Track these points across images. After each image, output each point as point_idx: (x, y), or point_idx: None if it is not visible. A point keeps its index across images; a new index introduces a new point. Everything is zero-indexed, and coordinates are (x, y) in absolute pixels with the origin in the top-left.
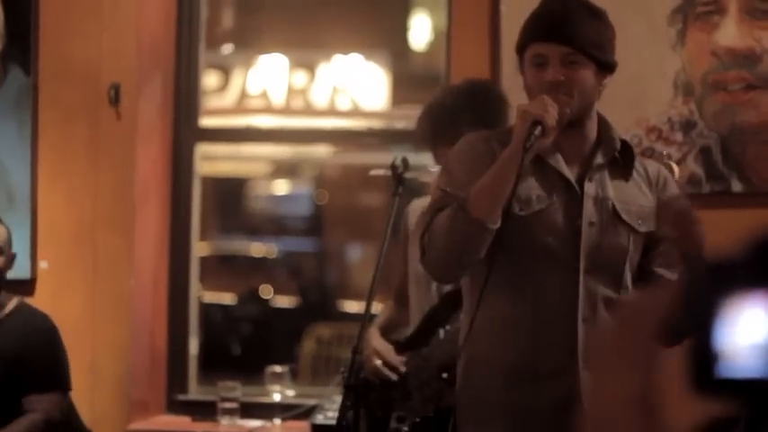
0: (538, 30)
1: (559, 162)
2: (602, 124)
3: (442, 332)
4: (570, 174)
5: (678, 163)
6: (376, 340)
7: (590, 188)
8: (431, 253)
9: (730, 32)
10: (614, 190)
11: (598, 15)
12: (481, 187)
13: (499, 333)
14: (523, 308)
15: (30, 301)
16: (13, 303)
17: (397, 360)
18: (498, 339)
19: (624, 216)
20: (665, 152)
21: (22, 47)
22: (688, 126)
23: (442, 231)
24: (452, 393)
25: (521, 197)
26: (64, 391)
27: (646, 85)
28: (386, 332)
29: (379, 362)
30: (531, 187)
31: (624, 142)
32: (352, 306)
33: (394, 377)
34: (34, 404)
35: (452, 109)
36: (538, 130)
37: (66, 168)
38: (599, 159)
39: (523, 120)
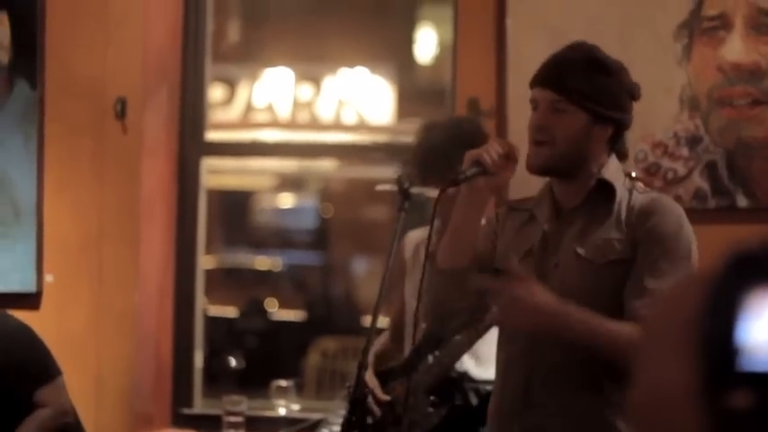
0: (536, 75)
1: (542, 213)
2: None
3: (431, 357)
4: (549, 218)
5: (684, 178)
6: (367, 374)
7: (558, 232)
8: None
9: (736, 48)
10: (584, 230)
11: (605, 68)
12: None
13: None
14: (500, 351)
15: (35, 314)
16: None
17: (382, 395)
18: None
19: (581, 251)
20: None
21: (29, 60)
22: (694, 141)
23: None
24: (439, 414)
25: (503, 253)
26: (57, 377)
27: (651, 100)
28: (380, 361)
29: (369, 398)
30: (513, 242)
31: (601, 181)
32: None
33: (377, 412)
34: (45, 397)
35: (441, 148)
36: (473, 170)
37: (72, 182)
38: (573, 202)
39: (467, 161)
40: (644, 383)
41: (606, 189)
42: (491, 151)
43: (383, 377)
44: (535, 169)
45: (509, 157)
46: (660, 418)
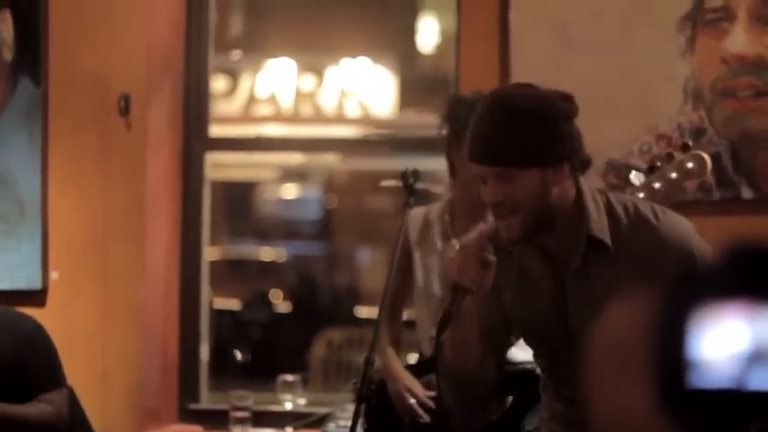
0: (470, 152)
1: (537, 267)
2: (586, 218)
3: None
4: (551, 277)
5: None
6: (407, 378)
7: (566, 298)
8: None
9: (740, 39)
10: (597, 300)
11: (528, 118)
12: (450, 334)
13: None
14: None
15: (41, 311)
16: None
17: (428, 399)
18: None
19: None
20: (632, 174)
21: (32, 57)
22: (698, 133)
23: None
24: (502, 406)
25: (516, 320)
26: (63, 386)
27: (655, 92)
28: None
29: (413, 401)
30: (521, 304)
31: (592, 239)
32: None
33: (426, 419)
34: (48, 398)
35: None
36: (459, 296)
37: (77, 178)
38: (573, 262)
39: (449, 290)
40: (604, 407)
41: (595, 243)
42: (468, 271)
43: (415, 370)
44: (515, 242)
45: (485, 266)
46: None
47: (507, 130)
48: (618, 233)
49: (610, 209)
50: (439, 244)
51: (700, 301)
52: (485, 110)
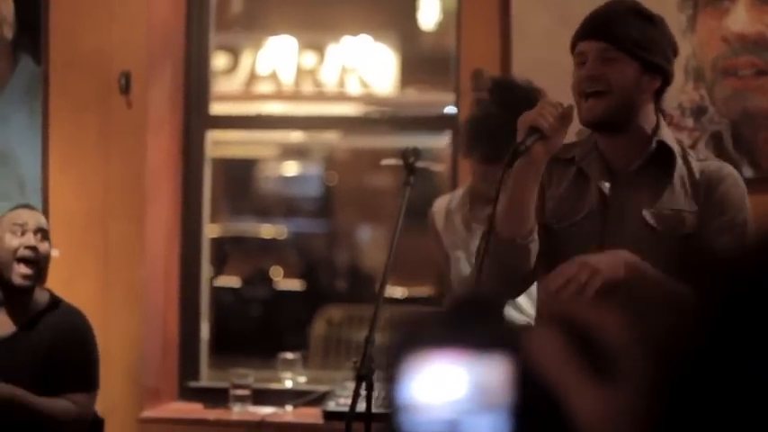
0: (580, 29)
1: (594, 170)
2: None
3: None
4: (605, 182)
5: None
6: None
7: (620, 196)
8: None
9: (741, 18)
10: (651, 198)
11: (649, 19)
12: (502, 207)
13: None
14: None
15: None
16: (46, 297)
17: None
18: None
19: (651, 221)
20: None
21: (33, 36)
22: (699, 112)
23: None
24: None
25: (557, 210)
26: (94, 390)
27: None
28: None
29: None
30: (568, 199)
31: (661, 144)
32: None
33: None
34: (76, 399)
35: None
36: (532, 137)
37: (77, 157)
38: (633, 165)
39: (521, 128)
40: None
41: (665, 153)
42: (546, 114)
43: None
44: (591, 122)
45: (564, 118)
46: None
47: (625, 17)
48: (691, 173)
49: (683, 152)
50: (462, 232)
51: (417, 345)
52: (606, 3)
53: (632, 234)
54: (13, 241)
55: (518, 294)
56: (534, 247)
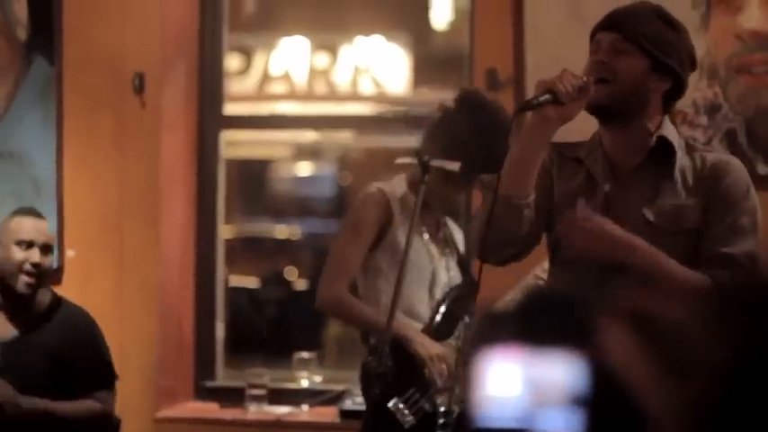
0: (601, 21)
1: (598, 170)
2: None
3: (467, 318)
4: (607, 184)
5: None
6: (436, 347)
7: (621, 195)
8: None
9: (754, 15)
10: (651, 194)
11: (670, 23)
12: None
13: None
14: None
15: (58, 289)
16: (48, 296)
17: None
18: None
19: (651, 217)
20: None
21: (47, 36)
22: (713, 109)
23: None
24: None
25: (562, 208)
26: (114, 384)
27: None
28: None
29: (443, 366)
30: (571, 198)
31: (661, 139)
32: None
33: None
34: (100, 397)
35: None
36: (546, 97)
37: (92, 157)
38: (634, 162)
39: (538, 88)
40: None
41: (666, 149)
42: (565, 81)
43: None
44: (593, 106)
45: (582, 90)
46: None
47: (645, 15)
48: (695, 167)
49: (689, 148)
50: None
51: (490, 343)
52: (633, 2)
53: (633, 232)
54: (19, 255)
55: (504, 261)
56: (528, 214)
